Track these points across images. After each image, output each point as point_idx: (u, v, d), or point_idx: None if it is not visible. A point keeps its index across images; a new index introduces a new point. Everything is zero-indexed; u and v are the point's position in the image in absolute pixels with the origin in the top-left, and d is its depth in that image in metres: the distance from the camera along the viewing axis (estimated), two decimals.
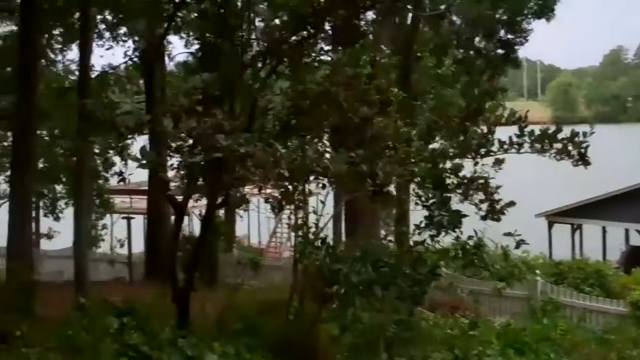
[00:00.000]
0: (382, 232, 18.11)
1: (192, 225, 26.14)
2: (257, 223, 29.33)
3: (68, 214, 27.22)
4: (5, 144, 28.21)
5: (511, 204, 9.27)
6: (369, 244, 10.50)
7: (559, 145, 8.92)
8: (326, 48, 13.78)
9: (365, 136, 9.75)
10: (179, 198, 10.19)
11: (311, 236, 10.52)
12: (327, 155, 9.66)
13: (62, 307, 13.51)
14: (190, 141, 8.81)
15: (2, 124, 27.23)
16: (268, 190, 10.14)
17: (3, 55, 25.18)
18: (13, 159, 15.90)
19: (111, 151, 26.30)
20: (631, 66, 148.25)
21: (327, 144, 10.80)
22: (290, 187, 9.81)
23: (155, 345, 6.56)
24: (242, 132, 8.97)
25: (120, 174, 11.13)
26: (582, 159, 8.92)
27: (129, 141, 16.07)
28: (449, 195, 9.47)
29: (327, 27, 12.07)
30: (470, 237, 9.14)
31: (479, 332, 11.99)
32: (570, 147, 8.85)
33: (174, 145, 9.08)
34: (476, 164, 9.53)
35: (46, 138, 26.30)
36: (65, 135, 26.32)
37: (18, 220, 14.45)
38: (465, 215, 9.19)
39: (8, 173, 27.81)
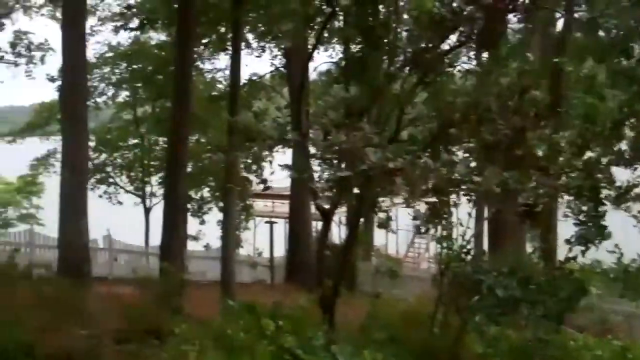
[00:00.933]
0: (529, 246, 17.51)
1: (330, 231, 26.45)
2: (395, 232, 29.28)
3: (211, 216, 28.33)
4: (157, 147, 29.86)
5: None
6: (516, 258, 10.22)
7: None
8: (471, 55, 13.54)
9: (517, 151, 9.45)
10: (326, 206, 10.34)
11: (456, 248, 10.36)
12: (477, 171, 9.44)
13: (209, 306, 14.04)
14: (338, 155, 8.87)
15: (157, 129, 28.80)
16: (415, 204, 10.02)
17: (159, 63, 26.65)
18: (167, 162, 16.69)
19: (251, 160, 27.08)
20: None
21: (476, 158, 10.56)
22: (437, 201, 9.65)
23: (310, 350, 6.65)
24: (390, 144, 8.97)
25: (264, 181, 11.38)
26: None
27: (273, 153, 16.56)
28: (604, 208, 9.07)
29: (471, 34, 11.82)
30: (634, 260, 8.68)
31: (634, 356, 11.32)
32: None
33: (322, 158, 9.19)
34: (635, 169, 9.07)
35: (196, 144, 27.47)
36: (212, 141, 27.47)
37: (172, 220, 15.16)
38: (605, 228, 8.78)
39: (157, 175, 29.50)
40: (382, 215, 9.47)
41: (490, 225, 19.13)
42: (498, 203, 10.55)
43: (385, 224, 9.83)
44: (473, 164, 9.46)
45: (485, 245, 20.02)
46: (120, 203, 30.69)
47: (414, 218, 9.18)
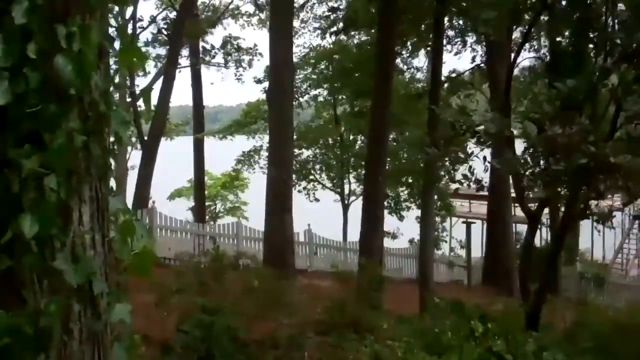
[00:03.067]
0: None
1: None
2: (602, 237, 27.66)
3: (410, 214, 28.36)
4: (356, 146, 30.41)
5: None
6: None
7: None
8: None
9: None
10: (532, 206, 9.96)
11: None
12: None
13: (407, 303, 14.03)
14: (551, 149, 8.46)
15: (354, 127, 29.34)
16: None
17: (358, 62, 27.09)
18: (368, 159, 16.86)
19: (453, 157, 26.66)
20: None
21: None
22: None
23: (519, 355, 6.42)
24: (607, 141, 8.44)
25: (479, 182, 10.96)
26: None
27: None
28: None
29: None
30: None
31: None
32: None
33: (533, 152, 8.84)
34: None
35: (393, 143, 27.61)
36: (410, 139, 27.49)
37: (371, 217, 15.29)
38: None
39: (355, 173, 30.03)
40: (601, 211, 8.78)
41: None
42: None
43: (605, 218, 9.09)
44: None
45: None
46: (317, 200, 31.63)
47: (635, 217, 8.44)
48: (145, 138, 24.86)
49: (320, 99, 31.91)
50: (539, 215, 9.75)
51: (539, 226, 24.66)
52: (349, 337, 9.84)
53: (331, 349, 10.05)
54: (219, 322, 9.40)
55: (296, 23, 28.32)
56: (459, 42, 25.17)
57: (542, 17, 19.73)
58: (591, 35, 13.17)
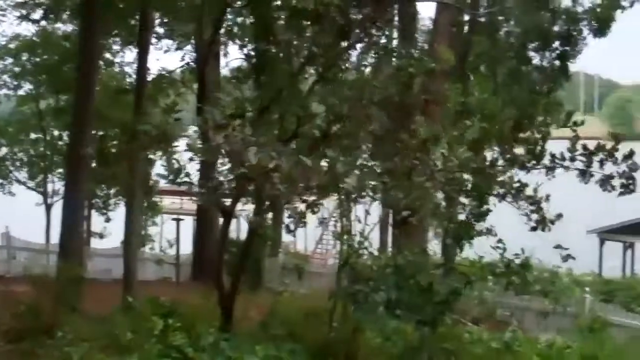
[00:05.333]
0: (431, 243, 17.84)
1: (239, 228, 26.24)
2: (304, 229, 29.21)
3: (120, 213, 27.72)
4: (60, 142, 28.95)
5: (559, 216, 9.12)
6: (404, 258, 10.33)
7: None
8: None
9: (399, 147, 9.49)
10: (227, 202, 10.29)
11: (355, 245, 10.50)
12: (357, 171, 9.43)
13: (108, 304, 13.76)
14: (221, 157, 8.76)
15: (59, 123, 27.94)
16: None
17: (65, 55, 25.81)
18: (68, 158, 16.23)
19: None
20: None
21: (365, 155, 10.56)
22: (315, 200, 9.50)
23: (199, 347, 6.62)
24: (290, 141, 8.98)
25: (190, 184, 10.86)
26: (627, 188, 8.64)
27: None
28: (487, 207, 9.49)
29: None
30: (517, 255, 9.03)
31: (522, 348, 11.78)
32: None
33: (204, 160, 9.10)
34: (528, 172, 9.36)
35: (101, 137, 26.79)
36: (117, 135, 26.86)
37: (71, 218, 14.76)
38: (470, 227, 9.22)
39: (60, 171, 28.62)
40: (290, 220, 9.18)
41: (394, 218, 19.44)
42: (389, 205, 10.72)
43: (296, 223, 9.47)
44: (359, 162, 9.52)
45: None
46: (12, 194, 29.66)
47: (289, 216, 8.98)
48: None
49: (22, 92, 29.90)
50: (232, 210, 10.11)
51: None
52: (43, 343, 9.41)
53: (23, 356, 9.55)
54: None
55: None
56: (168, 40, 25.20)
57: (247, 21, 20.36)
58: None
